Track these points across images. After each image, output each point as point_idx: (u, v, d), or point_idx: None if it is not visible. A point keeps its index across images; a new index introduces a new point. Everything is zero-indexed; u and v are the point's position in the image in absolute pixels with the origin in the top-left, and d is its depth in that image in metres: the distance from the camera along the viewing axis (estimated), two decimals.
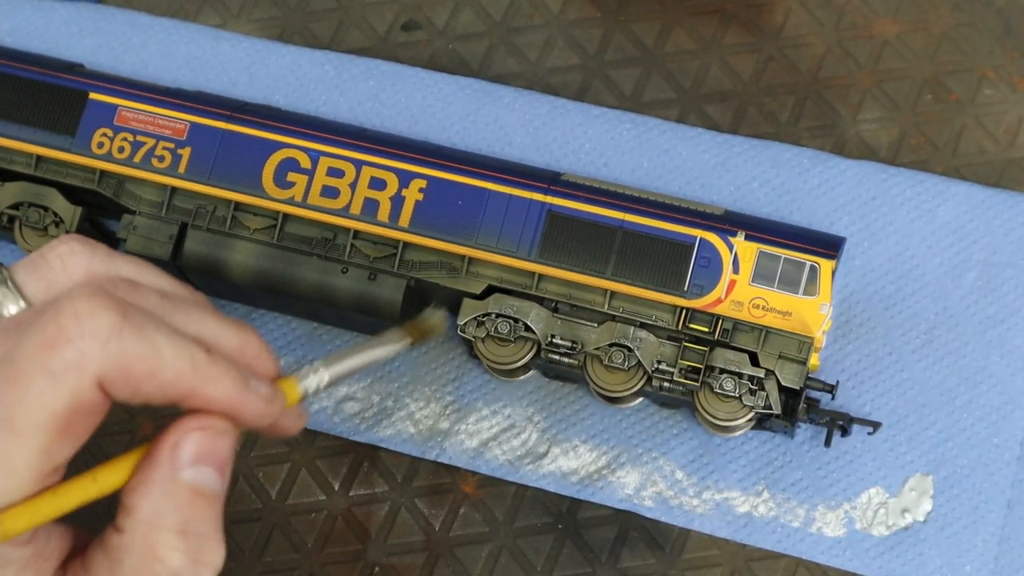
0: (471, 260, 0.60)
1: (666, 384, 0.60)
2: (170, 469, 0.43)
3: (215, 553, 0.43)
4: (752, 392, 0.59)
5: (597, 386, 0.60)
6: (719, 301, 0.59)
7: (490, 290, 0.61)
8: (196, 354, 0.43)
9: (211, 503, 0.44)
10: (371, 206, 0.60)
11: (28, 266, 0.46)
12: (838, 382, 0.61)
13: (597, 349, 0.60)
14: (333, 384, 0.47)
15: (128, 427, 0.64)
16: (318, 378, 0.47)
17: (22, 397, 0.41)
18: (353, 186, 0.61)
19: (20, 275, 0.46)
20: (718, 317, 0.59)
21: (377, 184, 0.61)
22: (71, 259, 0.46)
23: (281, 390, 0.46)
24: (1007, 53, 0.67)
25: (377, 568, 0.62)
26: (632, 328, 0.59)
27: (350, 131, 0.62)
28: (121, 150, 0.62)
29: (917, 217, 0.64)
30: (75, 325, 0.42)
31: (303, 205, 0.61)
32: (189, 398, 0.43)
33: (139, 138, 0.62)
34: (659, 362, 0.59)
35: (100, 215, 0.65)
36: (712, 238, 0.59)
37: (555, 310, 0.60)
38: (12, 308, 0.45)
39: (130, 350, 0.42)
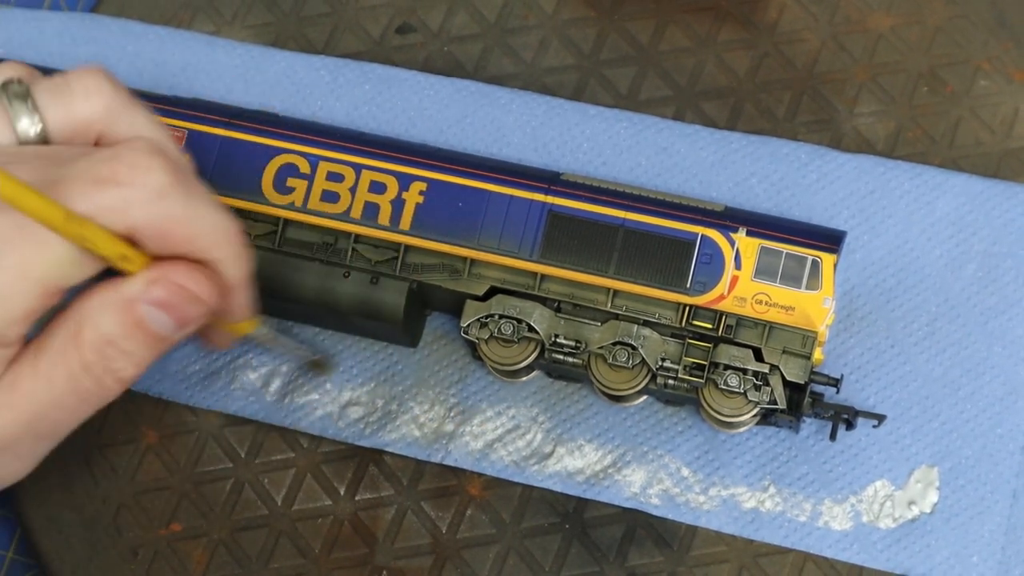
0: (473, 262, 0.60)
1: (670, 381, 0.60)
2: (133, 296, 0.45)
3: (127, 372, 0.46)
4: (757, 387, 0.59)
5: (601, 385, 0.60)
6: (722, 297, 0.59)
7: (492, 291, 0.61)
8: (230, 227, 0.46)
9: (149, 339, 0.46)
10: (371, 210, 0.60)
11: (52, 89, 0.47)
12: (842, 376, 0.61)
13: (601, 348, 0.60)
14: (260, 341, 0.52)
15: (133, 436, 0.64)
16: (266, 330, 0.52)
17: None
18: (353, 190, 0.61)
19: (42, 97, 0.47)
20: (721, 313, 0.59)
21: (377, 188, 0.61)
22: (96, 95, 0.47)
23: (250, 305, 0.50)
24: (1002, 44, 0.68)
25: (385, 572, 0.62)
26: (635, 326, 0.59)
27: (348, 135, 0.62)
28: None
29: (916, 209, 0.65)
30: (128, 173, 0.43)
31: (303, 210, 0.61)
32: (206, 261, 0.46)
33: None
34: (663, 359, 0.59)
35: None
36: (713, 235, 0.59)
37: (558, 310, 0.60)
38: (28, 126, 0.46)
39: (174, 213, 0.44)
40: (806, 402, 0.59)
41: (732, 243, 0.59)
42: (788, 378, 0.58)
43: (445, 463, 0.63)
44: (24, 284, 0.43)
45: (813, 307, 0.58)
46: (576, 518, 0.62)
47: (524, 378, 0.64)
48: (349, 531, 0.63)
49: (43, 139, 0.47)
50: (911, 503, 0.61)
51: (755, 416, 0.60)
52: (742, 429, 0.62)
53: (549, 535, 0.62)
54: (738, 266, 0.59)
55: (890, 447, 0.62)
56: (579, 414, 0.63)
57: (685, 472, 0.62)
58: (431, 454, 0.63)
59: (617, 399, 0.62)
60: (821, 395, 0.61)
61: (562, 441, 0.63)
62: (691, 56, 0.68)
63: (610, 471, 0.62)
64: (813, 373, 0.59)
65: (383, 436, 0.63)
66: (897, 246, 0.64)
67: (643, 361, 0.59)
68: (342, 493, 0.63)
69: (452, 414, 0.64)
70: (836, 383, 0.60)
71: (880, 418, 0.61)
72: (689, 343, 0.59)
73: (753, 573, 0.61)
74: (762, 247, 0.59)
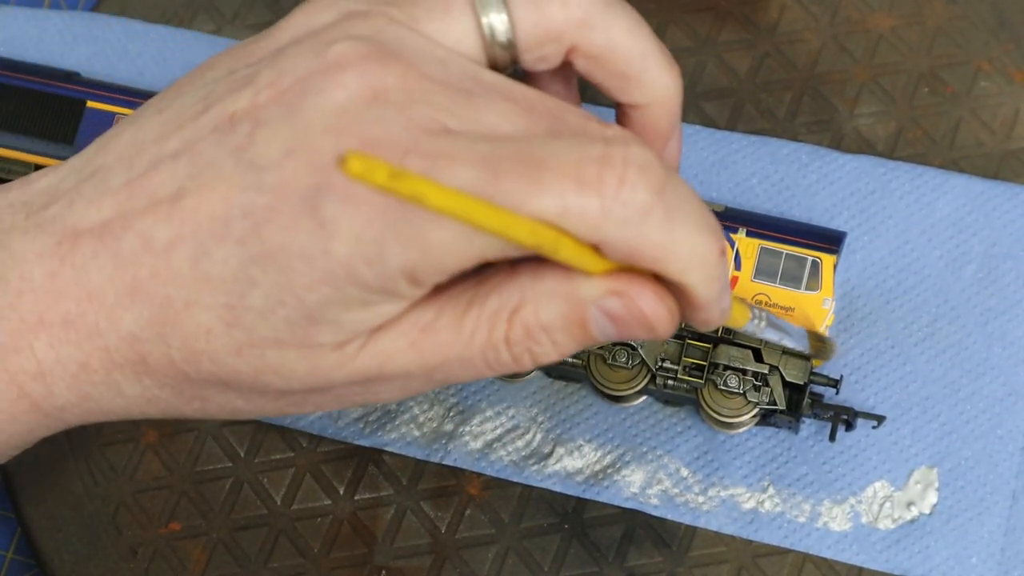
0: None
1: (670, 382, 0.60)
2: (588, 299, 0.42)
3: (547, 359, 0.43)
4: (756, 388, 0.59)
5: (601, 385, 0.60)
6: None
7: None
8: (710, 251, 0.42)
9: (584, 338, 0.43)
10: None
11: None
12: (842, 376, 0.61)
13: (600, 348, 0.60)
14: (748, 332, 0.48)
15: (132, 435, 0.64)
16: (759, 324, 0.48)
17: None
18: None
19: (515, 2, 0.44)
20: None
21: None
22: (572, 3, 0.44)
23: (734, 309, 0.46)
24: (1002, 45, 0.68)
25: (384, 571, 0.62)
26: None
27: None
28: None
29: (916, 210, 0.65)
30: (615, 187, 0.40)
31: None
32: (675, 283, 0.42)
33: None
34: (662, 360, 0.59)
35: None
36: None
37: None
38: (499, 24, 0.43)
39: (649, 237, 0.41)
40: (805, 403, 0.59)
41: (732, 243, 0.59)
42: (787, 379, 0.58)
43: (444, 463, 0.63)
44: (464, 247, 0.40)
45: (813, 308, 0.58)
46: (575, 518, 0.62)
47: (524, 378, 0.64)
48: (348, 531, 0.63)
49: (511, 44, 0.44)
50: (910, 504, 0.61)
51: (754, 417, 0.60)
52: (741, 430, 0.62)
53: (548, 535, 0.62)
54: (738, 267, 0.59)
55: (889, 448, 0.62)
56: (579, 414, 0.63)
57: (684, 472, 0.62)
58: (430, 454, 0.63)
59: (616, 399, 0.62)
60: (821, 396, 0.61)
61: (561, 441, 0.63)
62: (692, 56, 0.68)
63: (609, 471, 0.62)
64: (812, 374, 0.59)
65: (382, 436, 0.63)
66: (897, 247, 0.64)
67: (642, 361, 0.59)
68: (341, 493, 0.63)
69: (451, 414, 0.64)
70: (836, 384, 0.60)
71: (879, 419, 0.61)
72: (688, 343, 0.59)
73: (752, 574, 0.61)
74: (762, 248, 0.59)
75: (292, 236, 0.41)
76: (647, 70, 0.45)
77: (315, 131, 0.41)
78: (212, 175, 0.42)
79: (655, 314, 0.43)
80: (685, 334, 0.59)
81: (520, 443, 0.63)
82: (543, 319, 0.43)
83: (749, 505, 0.62)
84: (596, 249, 0.41)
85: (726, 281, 0.44)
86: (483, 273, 0.44)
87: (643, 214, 0.40)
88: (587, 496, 0.62)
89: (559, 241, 0.40)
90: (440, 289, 0.43)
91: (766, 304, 0.58)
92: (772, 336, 0.51)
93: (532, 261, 0.43)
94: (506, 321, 0.43)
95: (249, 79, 0.43)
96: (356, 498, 0.63)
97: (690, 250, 0.42)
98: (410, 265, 0.41)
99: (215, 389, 0.45)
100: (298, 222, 0.41)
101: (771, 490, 0.62)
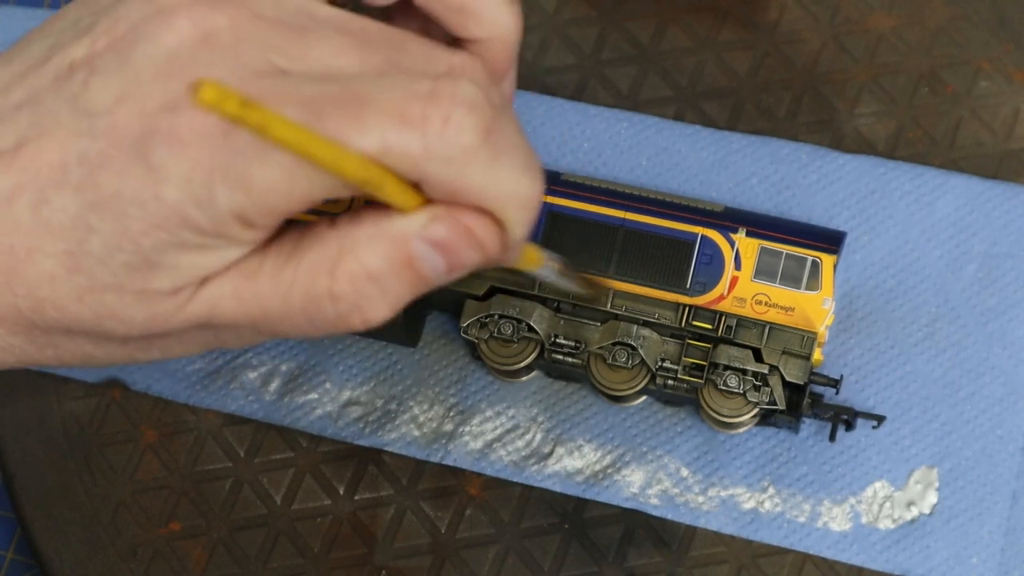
0: None
1: (670, 382, 0.60)
2: (411, 232, 0.42)
3: (376, 314, 0.43)
4: (756, 388, 0.59)
5: (601, 385, 0.60)
6: (722, 298, 0.59)
7: (492, 291, 0.61)
8: (530, 195, 0.43)
9: (414, 281, 0.43)
10: None
11: None
12: (842, 376, 0.61)
13: (600, 348, 0.60)
14: (540, 278, 0.51)
15: (131, 435, 0.64)
16: (552, 268, 0.49)
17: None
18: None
19: None
20: (721, 314, 0.59)
21: None
22: None
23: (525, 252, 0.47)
24: (1002, 45, 0.68)
25: (384, 572, 0.62)
26: (635, 326, 0.59)
27: None
28: None
29: (916, 210, 0.65)
30: (439, 127, 0.40)
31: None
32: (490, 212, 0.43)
33: None
34: (663, 360, 0.59)
35: None
36: (713, 235, 0.59)
37: (557, 310, 0.60)
38: None
39: (471, 179, 0.41)
40: (805, 403, 0.59)
41: (732, 243, 0.59)
42: (788, 379, 0.58)
43: (444, 463, 0.63)
44: (292, 185, 0.40)
45: (813, 308, 0.58)
46: (575, 518, 0.62)
47: (524, 378, 0.64)
48: (348, 531, 0.63)
49: None
50: (910, 504, 0.61)
51: (754, 417, 0.60)
52: (741, 430, 0.62)
53: (548, 535, 0.62)
54: (738, 266, 0.59)
55: (889, 448, 0.62)
56: (579, 414, 0.63)
57: (684, 472, 0.62)
58: (430, 454, 0.63)
59: (616, 399, 0.62)
60: (820, 396, 0.61)
61: (561, 441, 0.63)
62: (692, 56, 0.68)
63: (609, 471, 0.62)
64: (813, 374, 0.59)
65: (382, 436, 0.63)
66: (897, 247, 0.64)
67: (643, 361, 0.59)
68: (341, 493, 0.63)
69: (451, 414, 0.64)
70: (836, 384, 0.60)
71: (879, 419, 0.61)
72: (688, 343, 0.59)
73: (752, 573, 0.61)
74: (762, 248, 0.59)
75: (125, 182, 0.41)
76: (486, 5, 0.46)
77: (145, 77, 0.41)
78: (50, 123, 0.43)
79: (481, 227, 0.42)
80: (685, 334, 0.59)
81: (520, 443, 0.63)
82: (368, 265, 0.42)
83: (749, 505, 0.62)
84: (417, 187, 0.41)
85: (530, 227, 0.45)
86: (307, 225, 0.44)
87: (467, 155, 0.41)
88: (587, 496, 0.62)
89: (384, 177, 0.40)
90: (270, 239, 0.43)
91: (766, 304, 0.58)
92: (552, 278, 0.52)
93: (350, 212, 0.43)
94: (328, 274, 0.42)
95: (88, 28, 0.44)
96: (356, 498, 0.63)
97: (512, 191, 0.42)
98: (239, 207, 0.41)
99: (63, 336, 0.45)
100: (129, 168, 0.41)
101: (771, 490, 0.62)
